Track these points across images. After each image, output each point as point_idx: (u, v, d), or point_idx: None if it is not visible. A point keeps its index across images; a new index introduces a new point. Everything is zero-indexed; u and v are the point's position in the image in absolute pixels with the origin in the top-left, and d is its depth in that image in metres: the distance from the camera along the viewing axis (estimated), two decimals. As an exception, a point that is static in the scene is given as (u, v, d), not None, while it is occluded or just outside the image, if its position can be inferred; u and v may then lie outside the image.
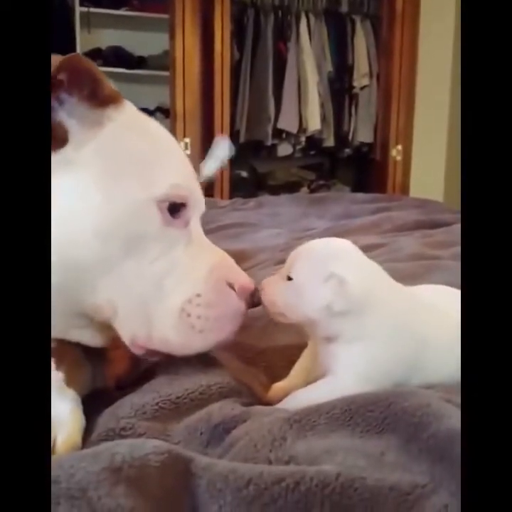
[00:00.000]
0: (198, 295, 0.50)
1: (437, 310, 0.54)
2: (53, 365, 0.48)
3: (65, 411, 0.44)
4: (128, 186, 0.48)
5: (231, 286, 0.51)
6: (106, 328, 0.51)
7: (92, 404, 0.48)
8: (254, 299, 0.53)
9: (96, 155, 0.48)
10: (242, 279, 0.52)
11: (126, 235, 0.48)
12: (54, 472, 0.30)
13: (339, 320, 0.49)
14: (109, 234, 0.47)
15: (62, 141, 0.47)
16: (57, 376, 0.47)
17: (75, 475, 0.30)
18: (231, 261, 0.54)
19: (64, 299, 0.48)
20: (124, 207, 0.48)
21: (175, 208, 0.50)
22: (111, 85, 0.51)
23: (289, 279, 0.51)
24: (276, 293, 0.51)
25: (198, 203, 0.53)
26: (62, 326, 0.50)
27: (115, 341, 0.53)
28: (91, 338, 0.51)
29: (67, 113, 0.47)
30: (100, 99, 0.49)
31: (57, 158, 0.46)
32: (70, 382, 0.48)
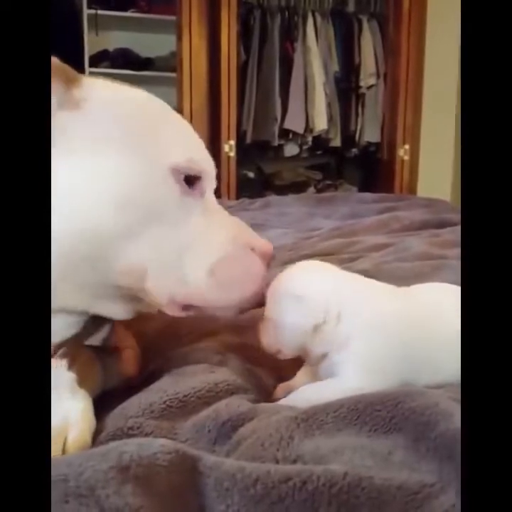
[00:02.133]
0: (225, 257, 0.52)
1: (438, 308, 0.54)
2: (66, 366, 0.49)
3: (76, 411, 0.45)
4: (138, 159, 0.49)
5: (253, 249, 0.54)
6: (132, 299, 0.52)
7: (102, 404, 0.49)
8: (272, 261, 0.57)
9: (85, 134, 0.48)
10: (262, 243, 0.55)
11: (143, 207, 0.49)
12: (63, 470, 0.30)
13: (325, 334, 0.50)
14: (128, 202, 0.48)
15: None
16: (69, 376, 0.48)
17: (84, 473, 0.30)
18: (247, 228, 0.57)
19: (91, 270, 0.48)
20: (137, 180, 0.49)
21: (190, 180, 0.51)
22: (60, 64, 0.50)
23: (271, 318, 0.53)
24: (266, 335, 0.53)
25: (211, 175, 0.55)
26: (89, 298, 0.50)
27: (125, 340, 0.53)
28: (117, 310, 0.52)
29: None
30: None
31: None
32: (81, 382, 0.48)
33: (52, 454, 0.41)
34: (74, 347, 0.51)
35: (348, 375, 0.49)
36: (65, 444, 0.42)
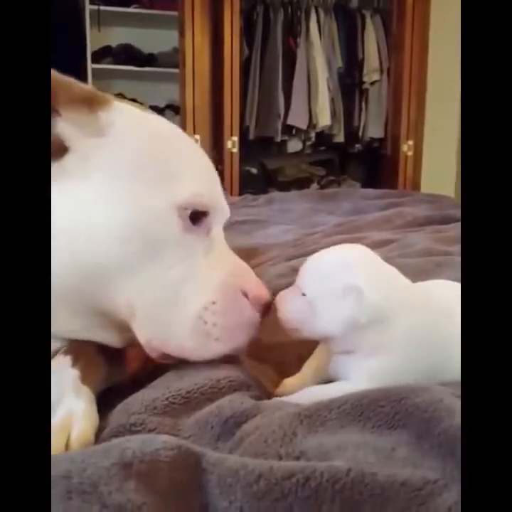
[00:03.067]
0: (214, 303, 0.50)
1: (449, 308, 0.53)
2: (69, 363, 0.49)
3: (79, 408, 0.45)
4: (148, 192, 0.48)
5: (245, 294, 0.51)
6: (126, 329, 0.51)
7: (105, 400, 0.49)
8: (268, 310, 0.52)
9: (106, 161, 0.48)
10: (257, 288, 0.52)
11: (145, 240, 0.48)
12: (65, 467, 0.30)
13: (359, 333, 0.47)
14: (128, 238, 0.47)
15: (62, 150, 0.47)
16: (73, 373, 0.48)
17: (86, 470, 0.30)
18: (248, 270, 0.53)
19: (85, 300, 0.49)
20: (143, 212, 0.48)
21: (196, 216, 0.50)
22: (89, 88, 0.51)
23: (303, 293, 0.49)
24: (290, 309, 0.50)
25: (220, 210, 0.53)
26: (84, 326, 0.51)
27: (133, 341, 0.53)
28: (111, 338, 0.52)
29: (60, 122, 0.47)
30: (81, 101, 0.48)
31: (58, 168, 0.46)
32: (85, 379, 0.48)
33: (56, 450, 0.41)
34: (77, 344, 0.51)
35: (361, 384, 0.46)
36: (68, 440, 0.43)
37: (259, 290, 0.51)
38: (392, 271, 0.52)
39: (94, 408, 0.46)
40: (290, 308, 0.50)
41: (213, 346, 0.50)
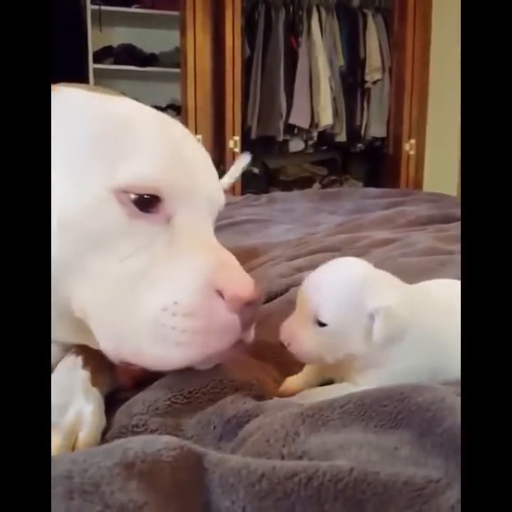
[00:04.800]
0: (176, 303, 0.42)
1: (452, 308, 0.52)
2: (80, 363, 0.49)
3: (88, 410, 0.45)
4: (84, 177, 0.43)
5: (220, 293, 0.43)
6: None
7: (108, 401, 0.49)
8: (251, 311, 0.44)
9: None
10: (236, 286, 0.43)
11: (84, 230, 0.43)
12: (67, 467, 0.30)
13: (384, 348, 0.47)
14: (66, 229, 0.42)
15: None
16: (84, 375, 0.48)
17: (88, 470, 0.30)
18: (230, 265, 0.45)
19: (55, 303, 0.43)
20: (78, 198, 0.43)
21: (147, 201, 0.44)
22: None
23: (320, 323, 0.47)
24: (309, 344, 0.47)
25: (194, 197, 0.47)
26: (67, 330, 0.47)
27: None
28: (87, 340, 0.47)
29: None
30: None
31: None
32: (94, 381, 0.48)
33: (63, 451, 0.41)
34: (86, 346, 0.50)
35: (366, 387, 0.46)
36: (75, 442, 0.43)
37: (238, 288, 0.43)
38: (391, 277, 0.51)
39: (102, 411, 0.46)
40: (308, 342, 0.47)
41: (175, 353, 0.43)
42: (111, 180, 0.43)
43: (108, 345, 0.45)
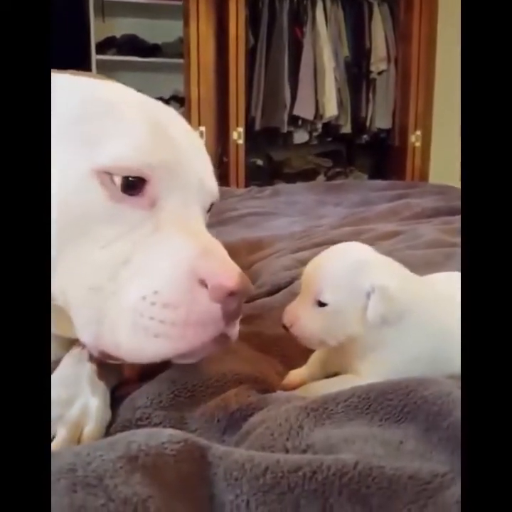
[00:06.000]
0: (155, 292, 0.40)
1: (456, 300, 0.52)
2: (86, 356, 0.49)
3: (94, 404, 0.45)
4: (65, 159, 0.42)
5: (203, 283, 0.41)
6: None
7: (115, 395, 0.49)
8: (235, 301, 0.42)
9: None
10: (220, 276, 0.41)
11: (65, 213, 0.41)
12: (70, 460, 0.30)
13: (383, 329, 0.47)
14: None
15: None
16: (89, 368, 0.48)
17: (92, 463, 0.30)
18: (215, 253, 0.43)
19: None
20: (59, 181, 0.41)
21: (132, 184, 0.42)
22: None
23: (320, 304, 0.48)
24: (311, 325, 0.48)
25: (181, 182, 0.45)
26: (58, 322, 0.45)
27: None
28: (68, 331, 0.45)
29: None
30: None
31: None
32: (100, 374, 0.48)
33: (68, 445, 0.41)
34: None
35: (370, 378, 0.46)
36: (80, 436, 0.43)
37: (223, 277, 0.41)
38: (396, 264, 0.52)
39: (107, 404, 0.46)
40: (310, 324, 0.48)
41: (153, 345, 0.40)
42: (93, 161, 0.42)
43: (87, 335, 0.43)
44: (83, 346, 0.49)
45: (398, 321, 0.47)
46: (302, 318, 0.48)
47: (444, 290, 0.53)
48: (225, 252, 0.44)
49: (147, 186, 0.43)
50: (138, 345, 0.41)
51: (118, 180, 0.42)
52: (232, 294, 0.41)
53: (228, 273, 0.41)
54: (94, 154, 0.42)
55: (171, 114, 0.50)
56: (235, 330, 0.44)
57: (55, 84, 0.44)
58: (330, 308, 0.47)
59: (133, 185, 0.42)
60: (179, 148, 0.46)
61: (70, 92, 0.45)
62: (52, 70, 0.45)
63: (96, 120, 0.43)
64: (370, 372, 0.48)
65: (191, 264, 0.41)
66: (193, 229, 0.45)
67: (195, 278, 0.41)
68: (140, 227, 0.43)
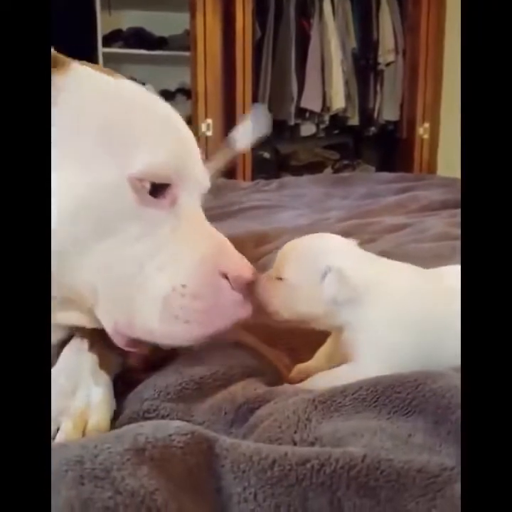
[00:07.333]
0: (184, 285, 0.45)
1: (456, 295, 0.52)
2: (86, 346, 0.49)
3: (97, 394, 0.45)
4: (98, 163, 0.44)
5: (225, 276, 0.47)
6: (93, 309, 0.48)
7: (120, 386, 0.49)
8: (250, 290, 0.48)
9: (53, 131, 0.43)
10: (238, 267, 0.47)
11: (96, 216, 0.44)
12: (78, 452, 0.30)
13: (342, 309, 0.49)
14: (78, 214, 0.43)
15: None
16: (91, 358, 0.48)
17: (99, 455, 0.30)
18: (229, 248, 0.49)
19: (54, 283, 0.43)
20: (93, 186, 0.44)
21: (157, 188, 0.46)
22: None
23: (280, 279, 0.51)
24: (271, 293, 0.51)
25: (192, 180, 0.49)
26: (64, 312, 0.48)
27: None
28: (78, 320, 0.49)
29: None
30: None
31: None
32: (102, 364, 0.48)
33: (73, 437, 0.41)
34: (92, 328, 0.50)
35: (366, 362, 0.48)
36: (85, 427, 0.43)
37: (240, 269, 0.47)
38: (368, 254, 0.54)
39: (111, 394, 0.47)
40: (271, 292, 0.51)
41: (184, 330, 0.46)
42: (126, 168, 0.44)
43: (116, 324, 0.46)
44: (83, 336, 0.50)
45: (355, 305, 0.49)
46: (266, 287, 0.51)
47: (451, 284, 0.52)
48: (232, 246, 0.49)
49: (169, 189, 0.47)
50: (170, 331, 0.46)
51: (147, 185, 0.45)
52: (249, 283, 0.47)
53: (244, 266, 0.48)
54: (127, 161, 0.45)
55: (173, 112, 0.51)
56: (250, 310, 0.49)
57: (83, 80, 0.46)
58: (287, 282, 0.51)
59: (158, 189, 0.46)
60: (189, 148, 0.50)
61: (100, 91, 0.46)
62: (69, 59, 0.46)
63: (127, 126, 0.46)
64: (362, 356, 0.49)
65: (213, 259, 0.47)
66: (205, 226, 0.50)
67: (218, 271, 0.46)
68: (162, 226, 0.46)
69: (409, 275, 0.53)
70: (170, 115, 0.50)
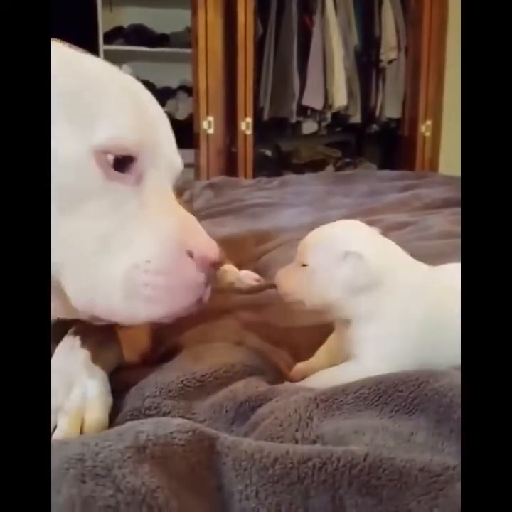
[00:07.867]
0: (148, 261, 0.44)
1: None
2: (79, 343, 0.49)
3: (92, 389, 0.45)
4: (61, 137, 0.43)
5: (190, 254, 0.46)
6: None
7: (120, 381, 0.49)
8: (214, 271, 0.48)
9: None
10: (204, 247, 0.46)
11: (61, 190, 0.43)
12: (79, 450, 0.30)
13: (357, 298, 0.49)
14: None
15: None
16: (84, 354, 0.48)
17: (100, 453, 0.30)
18: (197, 228, 0.48)
19: None
20: (56, 160, 0.42)
21: (121, 162, 0.45)
22: None
23: (304, 265, 0.51)
24: (292, 282, 0.52)
25: (160, 158, 0.48)
26: None
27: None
28: (59, 311, 0.47)
29: None
30: None
31: None
32: (96, 359, 0.48)
33: (70, 435, 0.41)
34: (86, 324, 0.50)
35: (367, 359, 0.48)
36: (82, 424, 0.43)
37: (206, 249, 0.46)
38: (389, 243, 0.54)
39: (107, 389, 0.46)
40: (291, 281, 0.52)
41: (144, 308, 0.44)
42: (90, 140, 0.43)
43: (80, 299, 0.45)
44: (75, 334, 0.49)
45: (372, 292, 0.49)
46: (286, 277, 0.53)
47: (453, 281, 0.52)
48: (200, 226, 0.49)
49: (134, 164, 0.46)
50: (132, 310, 0.45)
51: (111, 158, 0.44)
52: (213, 264, 0.47)
53: (210, 246, 0.47)
54: (90, 133, 0.43)
55: (143, 89, 0.51)
56: (208, 292, 0.48)
57: (60, 64, 0.44)
58: (309, 268, 0.51)
59: (123, 163, 0.45)
60: (157, 125, 0.49)
61: (65, 64, 0.45)
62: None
63: (88, 98, 0.44)
64: (364, 353, 0.49)
65: (180, 237, 0.46)
66: (172, 203, 0.48)
67: (183, 249, 0.46)
68: (127, 202, 0.45)
69: (423, 271, 0.53)
70: (137, 92, 0.49)
